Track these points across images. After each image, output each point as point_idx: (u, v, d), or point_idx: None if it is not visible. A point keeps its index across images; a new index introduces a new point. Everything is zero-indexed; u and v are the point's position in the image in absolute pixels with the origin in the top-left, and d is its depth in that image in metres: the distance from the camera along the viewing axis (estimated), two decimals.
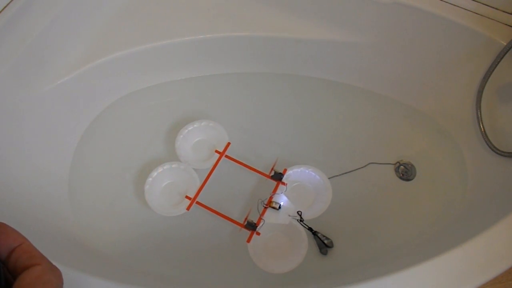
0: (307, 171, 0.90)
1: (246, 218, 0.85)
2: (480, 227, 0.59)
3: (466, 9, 0.83)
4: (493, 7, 0.82)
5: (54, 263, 0.45)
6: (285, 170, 0.90)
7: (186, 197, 0.88)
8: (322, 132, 1.04)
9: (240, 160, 0.93)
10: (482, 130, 0.86)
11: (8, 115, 0.76)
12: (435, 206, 0.92)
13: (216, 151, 0.94)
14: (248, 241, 0.82)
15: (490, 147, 0.83)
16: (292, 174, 0.91)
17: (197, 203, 0.88)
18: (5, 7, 0.73)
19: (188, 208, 0.86)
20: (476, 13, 0.83)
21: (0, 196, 0.70)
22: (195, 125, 0.96)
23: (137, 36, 0.93)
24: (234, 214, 0.90)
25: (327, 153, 1.01)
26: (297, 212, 0.86)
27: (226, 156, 0.94)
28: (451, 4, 0.84)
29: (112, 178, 0.95)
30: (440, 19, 0.84)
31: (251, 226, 0.84)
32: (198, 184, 0.89)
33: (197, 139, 0.98)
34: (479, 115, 0.86)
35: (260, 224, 0.84)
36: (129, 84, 1.03)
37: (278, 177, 0.89)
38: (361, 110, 1.07)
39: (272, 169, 0.90)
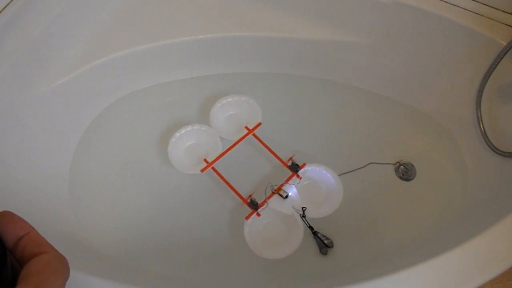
0: (324, 171, 0.90)
1: (250, 196, 0.86)
2: (480, 227, 0.59)
3: (466, 9, 0.83)
4: (493, 7, 0.82)
5: None
6: (304, 165, 0.90)
7: (205, 160, 0.91)
8: (322, 132, 1.04)
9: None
10: (482, 130, 0.86)
11: (8, 115, 0.76)
12: (435, 206, 0.92)
13: (246, 128, 0.96)
14: (247, 218, 0.84)
15: (490, 147, 0.83)
16: (309, 171, 0.91)
17: (213, 168, 0.91)
18: (5, 7, 0.73)
19: (202, 170, 0.89)
20: (476, 13, 0.83)
21: (0, 196, 0.70)
22: (235, 98, 1.00)
23: (137, 36, 0.93)
24: (241, 192, 0.91)
25: (327, 153, 1.01)
26: (302, 207, 0.86)
27: (254, 135, 0.96)
28: (451, 4, 0.84)
29: (113, 178, 0.95)
30: (440, 19, 0.84)
31: (254, 205, 0.85)
32: (220, 152, 0.92)
33: (232, 112, 1.02)
34: (479, 115, 0.86)
35: (263, 207, 0.85)
36: (129, 84, 1.03)
37: (294, 168, 0.90)
38: (361, 110, 1.07)
39: (290, 159, 0.91)
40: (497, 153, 0.81)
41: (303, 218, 0.86)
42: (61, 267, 0.29)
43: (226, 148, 0.93)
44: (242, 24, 0.97)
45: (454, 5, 0.84)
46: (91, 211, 0.90)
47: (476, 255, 0.56)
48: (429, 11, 0.84)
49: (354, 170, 0.97)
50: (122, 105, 1.03)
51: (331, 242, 0.87)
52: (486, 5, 0.83)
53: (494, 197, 0.78)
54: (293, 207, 0.86)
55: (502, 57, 0.79)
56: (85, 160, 0.95)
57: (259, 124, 0.97)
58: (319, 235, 0.87)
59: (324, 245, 0.87)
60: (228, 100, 0.99)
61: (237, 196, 0.88)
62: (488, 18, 0.83)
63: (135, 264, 0.84)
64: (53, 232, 0.75)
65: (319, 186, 0.92)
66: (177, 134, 0.94)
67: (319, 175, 0.91)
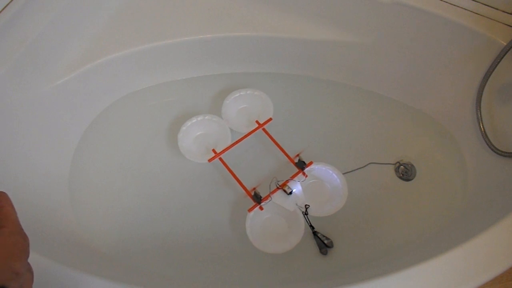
0: (330, 171, 0.90)
1: (254, 189, 0.87)
2: (480, 227, 0.60)
3: (466, 9, 0.84)
4: (493, 7, 0.82)
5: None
6: (311, 163, 0.91)
7: (213, 150, 0.93)
8: (322, 132, 1.04)
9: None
10: (482, 130, 0.86)
11: (8, 115, 0.76)
12: (435, 206, 0.92)
13: (257, 122, 0.98)
14: (250, 211, 0.84)
15: (490, 147, 0.83)
16: (316, 170, 0.91)
17: (220, 159, 0.92)
18: (5, 7, 0.73)
19: (210, 160, 0.91)
20: (476, 13, 0.83)
21: None
22: (248, 92, 1.02)
23: (137, 36, 0.93)
24: (246, 184, 0.91)
25: (327, 153, 1.01)
26: (305, 205, 0.86)
27: (264, 130, 0.97)
28: (451, 4, 0.84)
29: (113, 178, 0.95)
30: (440, 19, 0.84)
31: (257, 198, 0.86)
32: (229, 143, 0.94)
33: (245, 106, 1.04)
34: (479, 115, 0.86)
35: (267, 201, 0.86)
36: (129, 84, 1.03)
37: (301, 165, 0.91)
38: (361, 110, 1.07)
39: (297, 155, 0.91)
40: (497, 153, 0.81)
41: (305, 215, 0.86)
42: (23, 242, 0.31)
43: (235, 141, 0.94)
44: (242, 24, 0.97)
45: (454, 5, 0.84)
46: (91, 211, 0.90)
47: (476, 255, 0.56)
48: (429, 11, 0.84)
49: (354, 170, 0.97)
50: (122, 105, 1.03)
51: (331, 242, 0.87)
52: (486, 5, 0.83)
53: (494, 197, 0.78)
54: (296, 204, 0.86)
55: (502, 57, 0.79)
56: (85, 160, 0.95)
57: (270, 119, 0.98)
58: (319, 235, 0.87)
59: (324, 245, 0.87)
60: (241, 93, 1.01)
61: (239, 191, 0.88)
62: (488, 18, 0.83)
63: (134, 264, 0.84)
64: (53, 232, 0.75)
65: (324, 185, 0.92)
66: (188, 123, 0.96)
67: (325, 175, 0.91)
